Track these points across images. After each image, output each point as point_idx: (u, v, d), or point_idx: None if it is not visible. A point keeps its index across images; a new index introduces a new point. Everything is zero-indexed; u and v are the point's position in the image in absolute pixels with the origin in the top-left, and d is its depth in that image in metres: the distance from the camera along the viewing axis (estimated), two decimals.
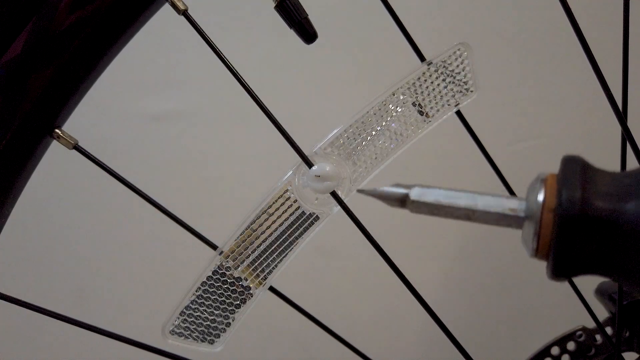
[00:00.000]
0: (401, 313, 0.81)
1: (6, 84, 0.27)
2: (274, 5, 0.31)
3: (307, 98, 0.81)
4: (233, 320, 0.34)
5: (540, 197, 0.18)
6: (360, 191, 0.24)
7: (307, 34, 0.32)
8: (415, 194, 0.21)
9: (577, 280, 0.42)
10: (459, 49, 0.35)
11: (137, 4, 0.29)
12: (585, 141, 0.79)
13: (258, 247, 0.34)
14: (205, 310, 0.34)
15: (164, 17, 0.32)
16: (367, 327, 0.81)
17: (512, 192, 0.39)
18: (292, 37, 0.32)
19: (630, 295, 0.46)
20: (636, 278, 0.17)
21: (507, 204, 0.20)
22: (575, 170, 0.18)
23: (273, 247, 0.34)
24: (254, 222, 0.34)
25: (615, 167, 0.39)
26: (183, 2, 0.30)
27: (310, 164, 0.33)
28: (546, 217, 0.18)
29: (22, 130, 0.28)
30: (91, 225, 0.80)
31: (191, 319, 0.34)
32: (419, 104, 0.35)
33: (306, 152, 0.33)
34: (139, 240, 0.80)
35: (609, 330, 0.47)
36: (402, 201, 0.22)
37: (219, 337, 0.34)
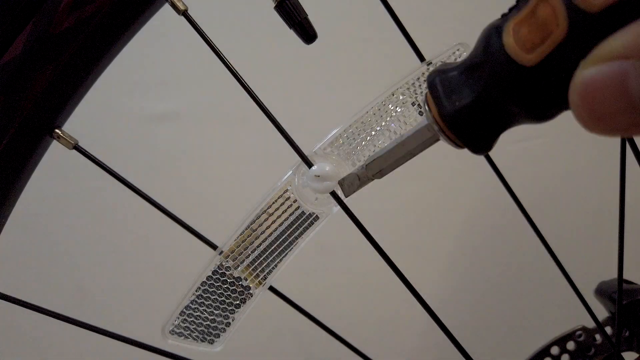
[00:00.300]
0: (401, 313, 0.81)
1: (6, 84, 0.27)
2: (274, 5, 0.31)
3: (307, 98, 0.81)
4: (233, 320, 0.34)
5: (431, 115, 0.24)
6: (347, 196, 0.30)
7: (307, 34, 0.32)
8: (371, 168, 0.28)
9: (577, 280, 0.42)
10: (458, 49, 0.35)
11: (137, 4, 0.30)
12: (585, 141, 0.79)
13: (258, 247, 0.34)
14: (205, 310, 0.34)
15: (164, 17, 0.32)
16: (367, 327, 0.81)
17: (512, 192, 0.39)
18: (292, 37, 0.32)
19: (630, 295, 0.46)
20: (519, 121, 0.23)
21: (423, 134, 0.26)
22: (434, 87, 0.23)
23: (273, 247, 0.34)
24: (254, 222, 0.34)
25: (615, 167, 0.39)
26: (183, 2, 0.31)
27: (310, 164, 0.33)
28: (442, 126, 0.23)
29: (22, 130, 0.28)
30: (91, 225, 0.80)
31: (191, 319, 0.34)
32: (419, 104, 0.35)
33: (306, 152, 0.33)
34: (139, 240, 0.80)
35: (608, 330, 0.47)
36: (368, 177, 0.29)
37: (219, 337, 0.34)
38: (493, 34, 0.21)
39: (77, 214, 0.80)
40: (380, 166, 0.27)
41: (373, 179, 0.28)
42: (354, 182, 0.29)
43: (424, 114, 0.25)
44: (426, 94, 0.24)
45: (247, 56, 0.77)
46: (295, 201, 0.34)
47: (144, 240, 0.80)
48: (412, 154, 0.27)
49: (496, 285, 0.85)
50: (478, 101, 0.22)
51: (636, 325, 0.47)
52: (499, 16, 0.23)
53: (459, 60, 0.28)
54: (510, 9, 0.22)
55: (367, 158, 0.29)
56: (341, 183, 0.30)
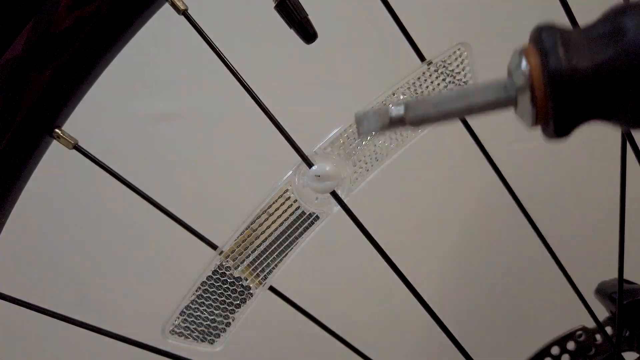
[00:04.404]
0: (401, 313, 0.81)
1: (6, 84, 0.27)
2: (274, 5, 0.31)
3: (307, 98, 0.81)
4: (233, 320, 0.34)
5: (527, 69, 0.19)
6: (362, 134, 0.23)
7: (307, 33, 0.32)
8: (413, 109, 0.22)
9: (577, 280, 0.42)
10: (459, 49, 0.35)
11: (137, 4, 0.29)
12: (585, 140, 0.79)
13: (258, 247, 0.34)
14: (205, 310, 0.34)
15: (164, 17, 0.32)
16: (367, 327, 0.81)
17: (512, 192, 0.39)
18: (292, 37, 0.32)
19: (630, 295, 0.46)
20: (626, 117, 0.19)
21: (499, 90, 0.21)
22: (551, 38, 0.19)
23: (273, 247, 0.34)
24: (254, 222, 0.34)
25: (616, 167, 0.39)
26: (183, 2, 0.31)
27: (310, 164, 0.33)
28: (538, 86, 0.19)
29: (22, 130, 0.28)
30: (91, 225, 0.80)
31: (191, 319, 0.34)
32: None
33: (306, 152, 0.33)
34: (139, 240, 0.80)
35: (609, 330, 0.47)
36: (401, 120, 0.22)
37: (219, 336, 0.34)
38: (637, 6, 0.19)
39: (77, 214, 0.80)
40: (425, 111, 0.21)
41: (405, 125, 0.22)
42: (381, 120, 0.22)
43: (512, 70, 0.21)
44: (522, 47, 0.20)
45: (247, 56, 0.77)
46: (295, 201, 0.34)
47: (144, 240, 0.80)
48: (470, 110, 0.21)
49: (496, 285, 0.85)
50: (602, 68, 0.19)
51: (636, 325, 0.47)
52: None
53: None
54: None
55: (412, 98, 0.23)
56: (360, 118, 0.22)
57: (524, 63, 0.20)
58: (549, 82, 0.19)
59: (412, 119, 0.21)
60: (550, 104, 0.19)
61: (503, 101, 0.21)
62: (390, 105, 0.22)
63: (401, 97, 0.35)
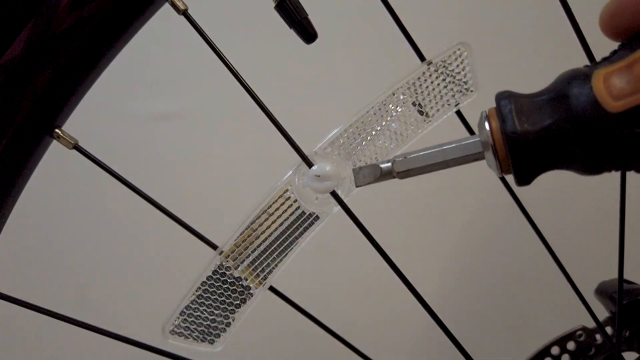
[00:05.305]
0: (401, 313, 0.81)
1: (6, 84, 0.27)
2: (274, 5, 0.31)
3: (307, 98, 0.81)
4: (233, 320, 0.34)
5: (488, 130, 0.23)
6: (358, 186, 0.29)
7: (307, 33, 0.32)
8: (399, 165, 0.26)
9: (577, 280, 0.42)
10: (459, 49, 0.35)
11: (137, 4, 0.29)
12: None
13: (258, 247, 0.34)
14: (205, 310, 0.34)
15: (164, 17, 0.32)
16: (367, 327, 0.81)
17: (512, 192, 0.39)
18: (292, 37, 0.32)
19: (630, 295, 0.46)
20: (578, 168, 0.22)
21: (469, 147, 0.25)
22: (507, 107, 0.23)
23: (273, 247, 0.34)
24: (254, 222, 0.34)
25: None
26: (183, 2, 0.30)
27: (310, 164, 0.33)
28: (499, 145, 0.23)
29: (22, 130, 0.28)
30: (91, 225, 0.80)
31: (191, 319, 0.34)
32: (419, 104, 0.35)
33: (306, 152, 0.33)
34: (139, 240, 0.80)
35: (609, 330, 0.47)
36: (390, 173, 0.27)
37: (219, 337, 0.34)
38: (580, 75, 0.22)
39: (77, 214, 0.80)
40: (409, 166, 0.26)
41: (395, 178, 0.27)
42: (373, 173, 0.28)
43: (479, 129, 0.24)
44: (488, 110, 0.23)
45: (247, 56, 0.77)
46: (295, 201, 0.34)
47: (144, 240, 0.80)
48: (447, 165, 0.26)
49: (496, 285, 0.85)
50: (548, 129, 0.22)
51: (637, 325, 0.47)
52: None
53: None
54: (601, 60, 0.22)
55: (399, 154, 0.27)
56: (356, 171, 0.28)
57: (487, 125, 0.23)
58: (506, 142, 0.22)
59: (400, 173, 0.26)
60: (509, 159, 0.23)
61: (474, 156, 0.25)
62: (380, 163, 0.27)
63: (401, 97, 0.35)
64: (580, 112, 0.21)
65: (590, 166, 0.22)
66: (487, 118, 0.23)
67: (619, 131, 0.20)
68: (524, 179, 0.23)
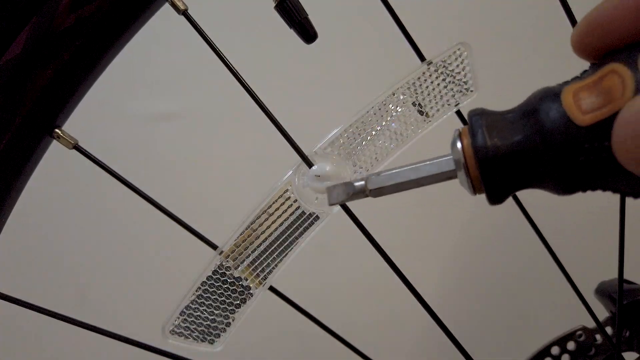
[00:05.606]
0: (401, 313, 0.81)
1: (6, 84, 0.27)
2: (274, 5, 0.31)
3: (307, 98, 0.81)
4: (233, 320, 0.34)
5: (460, 148, 0.23)
6: (331, 205, 0.28)
7: (307, 34, 0.32)
8: (372, 183, 0.26)
9: (577, 280, 0.42)
10: (459, 49, 0.35)
11: (137, 3, 0.29)
12: None
13: (258, 247, 0.34)
14: (205, 310, 0.34)
15: (164, 17, 0.32)
16: (367, 327, 0.81)
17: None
18: (292, 37, 0.32)
19: (630, 295, 0.46)
20: (550, 186, 0.22)
21: (441, 165, 0.25)
22: (478, 123, 0.23)
23: (273, 247, 0.34)
24: (254, 222, 0.34)
25: None
26: (183, 2, 0.30)
27: (310, 164, 0.33)
28: (470, 162, 0.23)
29: (22, 130, 0.28)
30: (91, 225, 0.80)
31: (191, 319, 0.34)
32: (419, 104, 0.35)
33: (306, 152, 0.33)
34: (139, 240, 0.80)
35: (609, 330, 0.47)
36: (363, 192, 0.26)
37: (219, 337, 0.34)
38: (550, 92, 0.22)
39: (77, 214, 0.80)
40: (382, 183, 0.26)
41: (367, 196, 0.27)
42: (345, 192, 0.27)
43: (451, 148, 0.24)
44: (461, 128, 0.24)
45: (247, 56, 0.77)
46: (295, 201, 0.34)
47: (144, 240, 0.80)
48: (420, 183, 0.25)
49: (496, 285, 0.85)
50: (519, 144, 0.22)
51: (636, 325, 0.47)
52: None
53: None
54: (572, 78, 0.22)
55: (370, 173, 0.27)
56: (330, 189, 0.27)
57: (458, 143, 0.23)
58: (476, 158, 0.22)
59: (372, 191, 0.26)
60: (479, 176, 0.22)
61: (446, 175, 0.25)
62: (354, 181, 0.26)
63: (401, 97, 0.35)
64: (550, 126, 0.21)
65: (561, 184, 0.22)
66: (460, 136, 0.23)
67: (589, 144, 0.20)
68: (496, 197, 0.23)
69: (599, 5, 0.21)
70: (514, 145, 0.22)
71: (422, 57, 0.35)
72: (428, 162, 0.25)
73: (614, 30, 0.21)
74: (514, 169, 0.22)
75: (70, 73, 0.29)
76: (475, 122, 0.23)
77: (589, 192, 0.23)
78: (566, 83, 0.22)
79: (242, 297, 0.34)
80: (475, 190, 0.23)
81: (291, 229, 0.34)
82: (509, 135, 0.22)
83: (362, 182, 0.26)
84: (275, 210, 0.34)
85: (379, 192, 0.26)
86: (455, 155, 0.23)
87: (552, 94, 0.22)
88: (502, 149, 0.22)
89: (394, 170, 0.26)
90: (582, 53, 0.22)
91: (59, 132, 0.30)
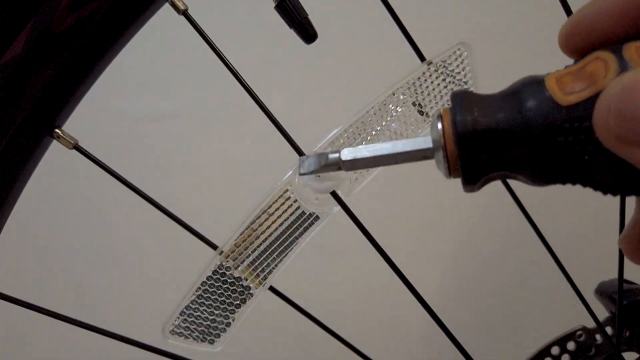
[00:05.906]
0: (401, 313, 0.81)
1: (6, 84, 0.27)
2: (274, 5, 0.31)
3: (307, 98, 0.81)
4: (233, 320, 0.34)
5: (440, 127, 0.23)
6: (302, 174, 0.27)
7: (307, 33, 0.32)
8: (345, 154, 0.25)
9: (577, 280, 0.42)
10: (459, 49, 0.35)
11: (137, 4, 0.29)
12: None
13: (258, 247, 0.34)
14: (205, 310, 0.34)
15: (164, 17, 0.32)
16: (367, 327, 0.81)
17: (512, 192, 0.39)
18: (292, 37, 0.32)
19: (630, 295, 0.46)
20: (526, 171, 0.22)
21: (419, 142, 0.24)
22: (460, 100, 0.22)
23: (273, 247, 0.34)
24: (254, 222, 0.34)
25: None
26: (183, 2, 0.30)
27: None
28: (448, 139, 0.22)
29: (22, 130, 0.28)
30: (91, 225, 0.80)
31: (191, 319, 0.34)
32: (419, 104, 0.35)
33: (306, 152, 0.33)
34: (139, 240, 0.80)
35: (609, 330, 0.47)
36: (336, 164, 0.25)
37: (219, 337, 0.34)
38: (534, 78, 0.22)
39: (77, 214, 0.80)
40: (356, 155, 0.25)
41: (340, 169, 0.26)
42: (318, 162, 0.26)
43: (430, 126, 0.24)
44: (442, 109, 0.23)
45: (247, 56, 0.77)
46: (295, 201, 0.34)
47: (144, 240, 0.80)
48: (394, 160, 0.25)
49: (497, 285, 0.85)
50: (498, 120, 0.22)
51: (636, 325, 0.47)
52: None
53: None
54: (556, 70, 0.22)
55: (347, 147, 0.27)
56: (302, 159, 0.27)
57: (439, 123, 0.23)
58: (454, 131, 0.22)
59: (345, 163, 0.25)
60: (457, 152, 0.22)
61: (422, 153, 0.24)
62: (328, 152, 0.26)
63: (401, 97, 0.35)
64: (531, 105, 0.21)
65: (538, 167, 0.22)
66: (440, 117, 0.23)
67: (569, 124, 0.20)
68: (470, 176, 0.23)
69: (583, 7, 0.22)
70: (493, 122, 0.22)
71: (422, 57, 0.35)
72: (406, 140, 0.25)
73: (598, 31, 0.21)
74: (492, 146, 0.22)
75: (70, 73, 0.29)
76: (457, 99, 0.23)
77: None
78: (550, 73, 0.22)
79: (242, 297, 0.34)
80: (450, 170, 0.23)
81: (291, 229, 0.34)
82: (490, 112, 0.22)
83: (337, 154, 0.25)
84: (275, 210, 0.34)
85: (352, 164, 0.25)
86: (434, 134, 0.23)
87: (536, 80, 0.22)
88: (482, 123, 0.22)
89: (370, 145, 0.25)
90: (568, 51, 0.23)
91: (59, 132, 0.30)
